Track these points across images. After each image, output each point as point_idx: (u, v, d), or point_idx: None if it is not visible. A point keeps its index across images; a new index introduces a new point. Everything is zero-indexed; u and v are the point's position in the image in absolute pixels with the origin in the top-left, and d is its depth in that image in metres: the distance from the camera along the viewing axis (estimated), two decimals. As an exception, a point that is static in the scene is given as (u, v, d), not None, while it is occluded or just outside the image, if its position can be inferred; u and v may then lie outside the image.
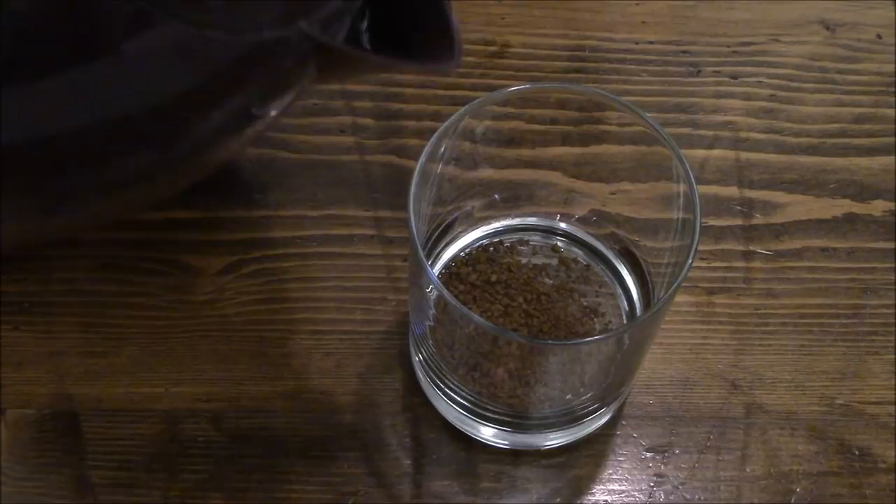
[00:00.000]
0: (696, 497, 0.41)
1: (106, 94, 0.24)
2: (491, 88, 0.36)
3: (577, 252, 0.42)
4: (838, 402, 0.43)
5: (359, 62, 0.28)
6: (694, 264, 0.33)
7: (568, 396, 0.38)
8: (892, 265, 0.46)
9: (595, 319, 0.40)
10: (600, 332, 0.39)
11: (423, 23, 0.28)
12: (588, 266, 0.41)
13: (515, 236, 0.42)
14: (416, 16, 0.29)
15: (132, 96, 0.25)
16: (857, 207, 0.47)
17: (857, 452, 0.42)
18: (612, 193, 0.40)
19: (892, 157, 0.48)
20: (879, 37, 0.52)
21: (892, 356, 0.44)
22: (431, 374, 0.41)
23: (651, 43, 0.51)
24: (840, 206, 0.47)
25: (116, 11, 0.23)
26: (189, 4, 0.24)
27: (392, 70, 0.30)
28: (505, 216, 0.42)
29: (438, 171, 0.37)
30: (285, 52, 0.27)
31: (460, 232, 0.42)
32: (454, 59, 0.28)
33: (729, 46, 0.51)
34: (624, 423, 0.42)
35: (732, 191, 0.47)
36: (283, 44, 0.27)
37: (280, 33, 0.27)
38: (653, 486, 0.41)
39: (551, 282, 0.40)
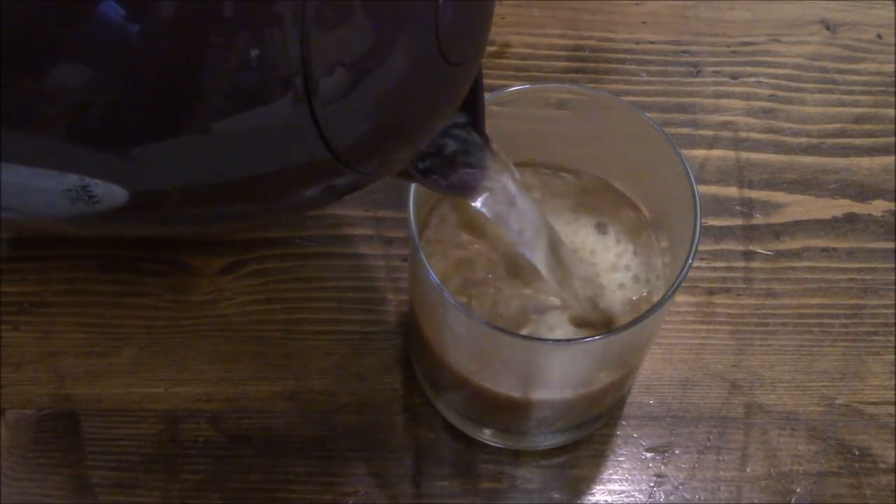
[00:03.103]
0: (696, 497, 0.41)
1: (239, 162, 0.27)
2: (491, 88, 0.36)
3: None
4: (838, 402, 0.43)
5: (418, 181, 0.33)
6: (694, 264, 0.33)
7: (567, 396, 0.38)
8: (892, 265, 0.46)
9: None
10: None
11: (464, 159, 0.34)
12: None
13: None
14: (460, 150, 0.34)
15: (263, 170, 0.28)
16: (857, 207, 0.47)
17: (857, 452, 0.42)
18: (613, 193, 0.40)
19: (892, 157, 0.48)
20: (879, 37, 0.52)
21: (892, 356, 0.44)
22: (431, 373, 0.41)
23: (651, 43, 0.51)
24: (840, 206, 0.47)
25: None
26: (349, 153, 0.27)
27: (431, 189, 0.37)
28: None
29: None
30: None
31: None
32: (476, 195, 0.34)
33: (729, 46, 0.51)
34: (624, 423, 0.42)
35: (732, 191, 0.47)
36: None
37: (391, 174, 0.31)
38: (653, 487, 0.41)
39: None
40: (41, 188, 0.26)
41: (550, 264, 0.35)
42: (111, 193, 0.26)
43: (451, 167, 0.33)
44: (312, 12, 0.24)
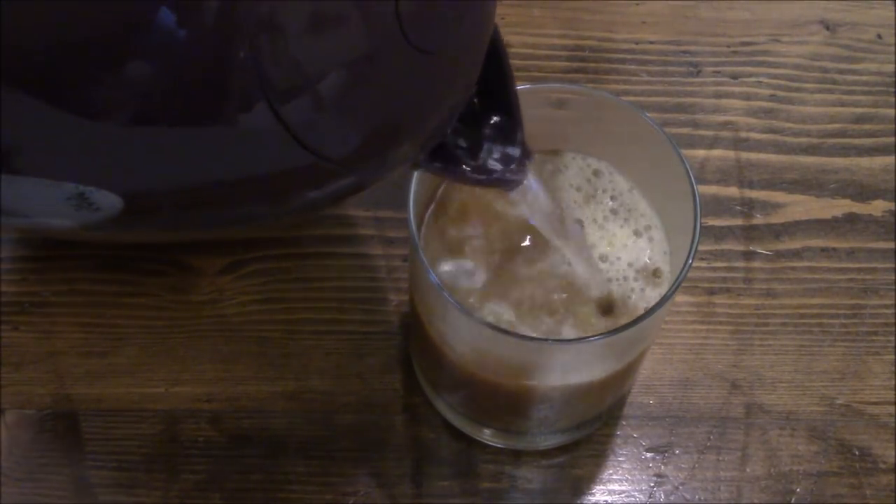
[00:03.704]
0: (696, 497, 0.41)
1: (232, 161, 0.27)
2: (491, 88, 0.36)
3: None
4: (838, 402, 0.43)
5: (438, 173, 0.32)
6: (694, 264, 0.33)
7: (567, 394, 0.38)
8: (892, 265, 0.46)
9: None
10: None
11: (500, 142, 0.33)
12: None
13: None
14: (494, 134, 0.33)
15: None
16: (857, 207, 0.47)
17: (857, 452, 0.42)
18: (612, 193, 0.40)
19: (892, 157, 0.48)
20: (879, 37, 0.52)
21: (892, 356, 0.44)
22: (431, 373, 0.41)
23: (651, 43, 0.51)
24: (840, 206, 0.47)
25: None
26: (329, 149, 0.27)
27: (465, 183, 0.36)
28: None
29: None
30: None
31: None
32: (522, 179, 0.33)
33: (729, 46, 0.51)
34: (624, 423, 0.42)
35: (732, 191, 0.47)
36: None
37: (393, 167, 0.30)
38: (653, 487, 0.41)
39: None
40: (47, 198, 0.27)
41: (575, 251, 0.35)
42: (107, 200, 0.27)
43: (486, 159, 0.32)
44: (259, 18, 0.24)
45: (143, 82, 0.24)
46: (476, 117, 0.33)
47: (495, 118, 0.33)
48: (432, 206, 0.38)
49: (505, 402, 0.38)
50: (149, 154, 0.26)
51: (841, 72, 0.51)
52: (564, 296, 0.36)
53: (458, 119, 0.32)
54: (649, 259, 0.38)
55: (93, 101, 0.24)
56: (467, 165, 0.32)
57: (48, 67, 0.23)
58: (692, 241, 0.33)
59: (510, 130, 0.33)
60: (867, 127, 0.49)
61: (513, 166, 0.33)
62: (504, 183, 0.33)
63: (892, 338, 0.44)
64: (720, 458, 0.41)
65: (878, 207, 0.47)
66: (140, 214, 0.28)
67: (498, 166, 0.33)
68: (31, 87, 0.24)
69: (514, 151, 0.33)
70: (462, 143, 0.32)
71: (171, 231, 0.34)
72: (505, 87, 0.33)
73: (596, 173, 0.39)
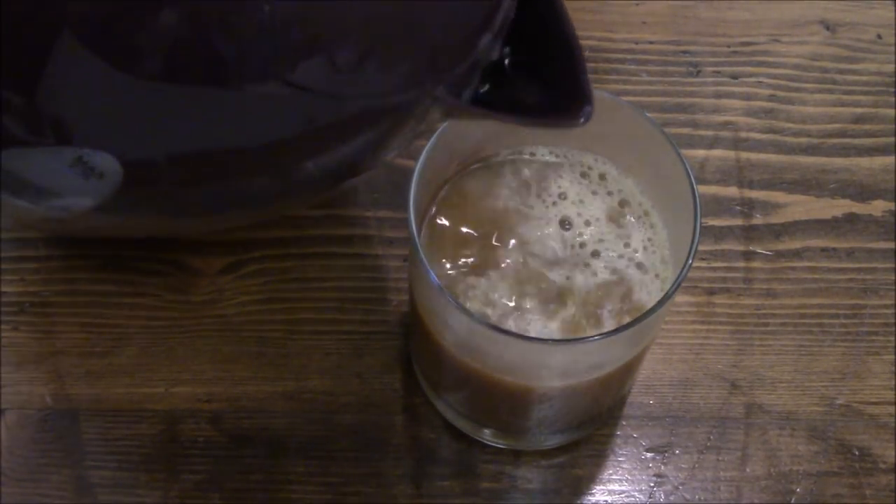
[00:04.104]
0: (697, 497, 0.41)
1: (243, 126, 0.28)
2: (491, 88, 0.36)
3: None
4: (838, 402, 0.43)
5: (482, 117, 0.31)
6: (694, 264, 0.33)
7: (566, 394, 0.38)
8: (892, 265, 0.46)
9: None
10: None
11: (557, 78, 0.31)
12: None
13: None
14: (551, 69, 0.31)
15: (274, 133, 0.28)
16: (857, 207, 0.47)
17: (857, 452, 0.42)
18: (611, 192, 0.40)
19: (892, 157, 0.48)
20: (879, 37, 0.52)
21: (892, 356, 0.44)
22: (431, 373, 0.41)
23: (651, 43, 0.51)
24: (840, 206, 0.47)
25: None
26: (327, 77, 0.27)
27: (515, 125, 0.34)
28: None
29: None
30: (414, 109, 0.30)
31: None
32: (582, 116, 0.30)
33: (729, 46, 0.51)
34: (624, 423, 0.42)
35: (732, 191, 0.47)
36: (412, 103, 0.30)
37: (410, 97, 0.29)
38: (653, 487, 0.41)
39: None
40: (52, 166, 0.27)
41: None
42: (107, 163, 0.27)
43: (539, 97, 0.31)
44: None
45: (119, 39, 0.24)
46: (529, 59, 0.31)
47: (552, 59, 0.31)
48: (432, 206, 0.38)
49: (505, 402, 0.38)
50: (136, 111, 0.26)
51: (841, 72, 0.51)
52: (565, 295, 0.36)
53: (504, 58, 0.30)
54: (649, 259, 0.38)
55: (77, 58, 0.24)
56: (516, 105, 0.31)
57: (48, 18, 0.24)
58: (692, 242, 0.33)
59: (568, 70, 0.31)
60: (867, 127, 0.49)
61: (570, 102, 0.31)
62: (556, 124, 0.31)
63: (892, 338, 0.44)
64: (720, 458, 0.41)
65: (878, 207, 0.47)
66: (143, 185, 0.28)
67: (551, 108, 0.31)
68: (27, 39, 0.24)
69: (573, 91, 0.31)
70: (513, 85, 0.31)
71: (177, 216, 0.33)
72: (558, 28, 0.31)
73: (595, 173, 0.39)
